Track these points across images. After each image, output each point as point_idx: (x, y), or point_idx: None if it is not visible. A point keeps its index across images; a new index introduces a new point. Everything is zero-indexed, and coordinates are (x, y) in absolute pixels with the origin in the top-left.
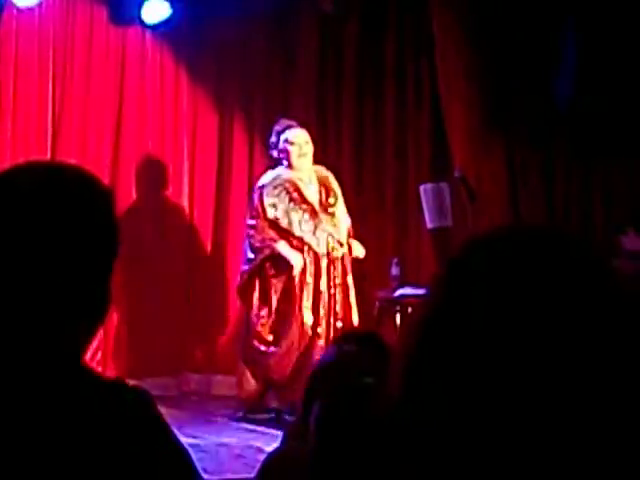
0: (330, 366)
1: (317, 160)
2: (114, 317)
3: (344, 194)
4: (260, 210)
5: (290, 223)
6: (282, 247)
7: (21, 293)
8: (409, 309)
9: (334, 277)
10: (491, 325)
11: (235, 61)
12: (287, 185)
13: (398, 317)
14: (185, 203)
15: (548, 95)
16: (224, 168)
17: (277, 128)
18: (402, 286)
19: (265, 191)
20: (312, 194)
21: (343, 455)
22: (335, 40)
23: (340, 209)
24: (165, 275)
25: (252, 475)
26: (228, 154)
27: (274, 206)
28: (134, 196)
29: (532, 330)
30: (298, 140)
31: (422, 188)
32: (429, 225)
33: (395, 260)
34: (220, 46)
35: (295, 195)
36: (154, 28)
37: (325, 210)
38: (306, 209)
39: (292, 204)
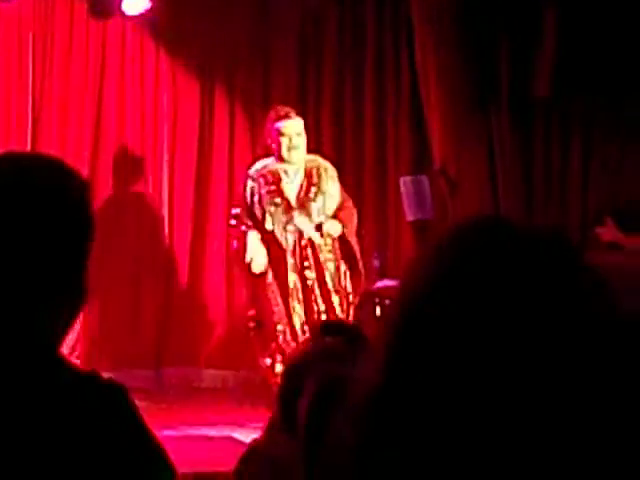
0: (311, 358)
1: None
2: (94, 309)
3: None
4: (242, 198)
5: (263, 215)
6: (250, 239)
7: (2, 282)
8: (387, 301)
9: (305, 272)
10: (470, 316)
11: (216, 52)
12: (269, 177)
13: (378, 309)
14: (165, 193)
15: (528, 83)
16: (204, 159)
17: (271, 115)
18: (382, 278)
19: (249, 180)
20: (292, 188)
21: (336, 447)
22: (315, 32)
23: (318, 204)
24: (145, 264)
25: (231, 468)
26: (209, 145)
27: (252, 195)
28: (113, 186)
29: (510, 320)
30: (288, 131)
31: (402, 180)
32: (409, 218)
33: (375, 253)
34: (201, 37)
35: (272, 188)
36: (135, 19)
37: (301, 205)
38: (280, 203)
39: (268, 197)
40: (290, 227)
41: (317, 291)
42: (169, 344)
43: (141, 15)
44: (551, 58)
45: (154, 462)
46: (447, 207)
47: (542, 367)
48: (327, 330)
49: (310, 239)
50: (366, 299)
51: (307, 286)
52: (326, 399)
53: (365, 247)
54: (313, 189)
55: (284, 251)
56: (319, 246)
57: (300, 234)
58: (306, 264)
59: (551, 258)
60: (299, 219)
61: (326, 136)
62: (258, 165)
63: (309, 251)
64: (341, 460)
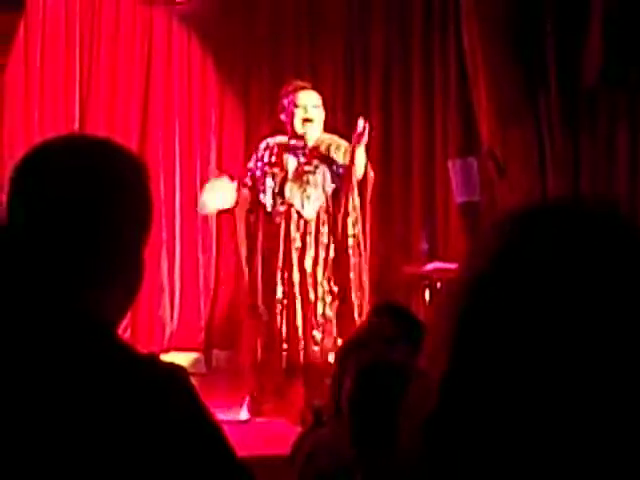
0: (360, 341)
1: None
2: (143, 294)
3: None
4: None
5: (262, 188)
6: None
7: (57, 265)
8: (438, 284)
9: (294, 245)
10: (541, 295)
11: (262, 34)
12: (275, 148)
13: (427, 292)
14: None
15: (577, 67)
16: (251, 144)
17: (286, 88)
18: (431, 261)
19: (260, 147)
20: (294, 161)
21: (378, 429)
22: (362, 13)
23: (317, 177)
24: (192, 246)
25: (285, 451)
26: (255, 129)
27: (256, 161)
28: (161, 170)
29: (582, 297)
30: (303, 102)
31: (450, 163)
32: (457, 200)
33: (423, 235)
34: (248, 21)
35: (274, 159)
36: (181, 5)
37: (298, 177)
38: (277, 174)
39: (269, 167)
40: (278, 198)
41: (307, 263)
42: (217, 327)
43: (187, 2)
44: (599, 42)
45: (214, 445)
46: (495, 190)
47: (615, 347)
48: (381, 312)
49: (300, 214)
50: (415, 282)
51: (293, 258)
52: (367, 382)
53: (413, 230)
54: (315, 162)
55: (277, 227)
56: (308, 223)
57: (286, 205)
58: (294, 243)
59: (619, 233)
60: (291, 191)
61: (374, 120)
62: (270, 139)
63: (300, 227)
64: (413, 446)
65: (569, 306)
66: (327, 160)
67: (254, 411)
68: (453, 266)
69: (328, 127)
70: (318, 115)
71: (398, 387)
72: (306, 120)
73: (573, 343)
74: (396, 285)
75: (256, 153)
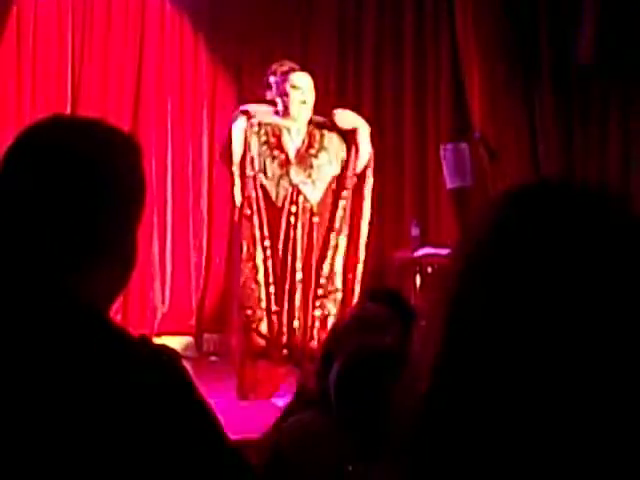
0: (349, 327)
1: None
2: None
3: None
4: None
5: (261, 165)
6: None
7: (50, 246)
8: (429, 269)
9: (294, 232)
10: (539, 274)
11: (255, 15)
12: (269, 129)
13: (418, 278)
14: (205, 159)
15: (569, 51)
16: None
17: (281, 68)
18: (422, 246)
19: (246, 117)
20: (293, 144)
21: (364, 413)
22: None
23: (320, 161)
24: (183, 230)
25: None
26: None
27: (247, 137)
28: (153, 152)
29: (580, 276)
30: (302, 84)
31: (442, 148)
32: (449, 185)
33: (415, 221)
34: (239, 15)
35: (273, 140)
36: None
37: (301, 160)
38: (277, 156)
39: (267, 148)
40: (284, 182)
41: (299, 252)
42: (207, 311)
43: None
44: (593, 25)
45: (206, 428)
46: (487, 175)
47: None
48: (373, 297)
49: (304, 196)
50: (406, 267)
51: (288, 244)
52: (355, 368)
53: (404, 215)
54: (316, 145)
55: (273, 204)
56: (312, 205)
57: (293, 189)
58: (292, 220)
59: (613, 212)
60: (295, 173)
61: (366, 104)
62: (258, 108)
63: (300, 208)
64: (406, 429)
65: (561, 286)
66: (327, 144)
67: (241, 395)
68: (444, 252)
69: (319, 110)
70: (312, 98)
71: (387, 370)
72: (302, 102)
73: (566, 324)
74: (387, 270)
75: (244, 127)
